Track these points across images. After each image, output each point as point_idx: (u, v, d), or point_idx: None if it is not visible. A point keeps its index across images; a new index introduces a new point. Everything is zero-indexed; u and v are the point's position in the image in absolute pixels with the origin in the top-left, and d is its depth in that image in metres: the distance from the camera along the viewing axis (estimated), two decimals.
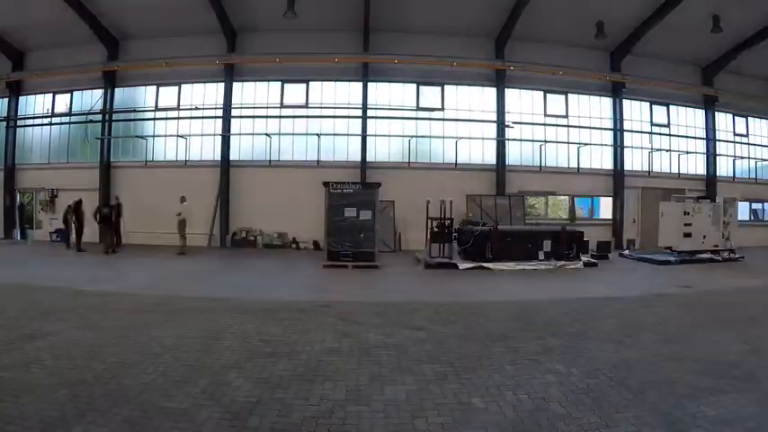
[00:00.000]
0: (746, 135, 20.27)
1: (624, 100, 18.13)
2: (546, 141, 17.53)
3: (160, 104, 17.48)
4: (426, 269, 11.64)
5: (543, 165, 17.56)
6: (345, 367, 4.39)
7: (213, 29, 15.99)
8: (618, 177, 17.84)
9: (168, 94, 17.44)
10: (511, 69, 16.96)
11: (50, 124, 18.12)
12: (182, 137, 17.19)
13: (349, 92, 17.05)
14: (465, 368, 4.37)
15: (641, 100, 18.57)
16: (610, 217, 17.96)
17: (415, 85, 17.19)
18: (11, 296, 7.28)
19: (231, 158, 16.92)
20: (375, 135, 16.87)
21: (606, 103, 18.17)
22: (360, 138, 16.66)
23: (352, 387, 3.91)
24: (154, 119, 17.61)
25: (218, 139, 16.91)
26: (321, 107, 17.03)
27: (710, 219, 14.01)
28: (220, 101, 17.03)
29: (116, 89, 17.58)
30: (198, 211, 16.04)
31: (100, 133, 17.34)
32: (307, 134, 16.88)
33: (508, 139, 17.17)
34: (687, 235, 13.63)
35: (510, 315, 6.62)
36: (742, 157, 20.03)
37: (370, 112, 16.76)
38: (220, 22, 15.78)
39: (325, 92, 17.12)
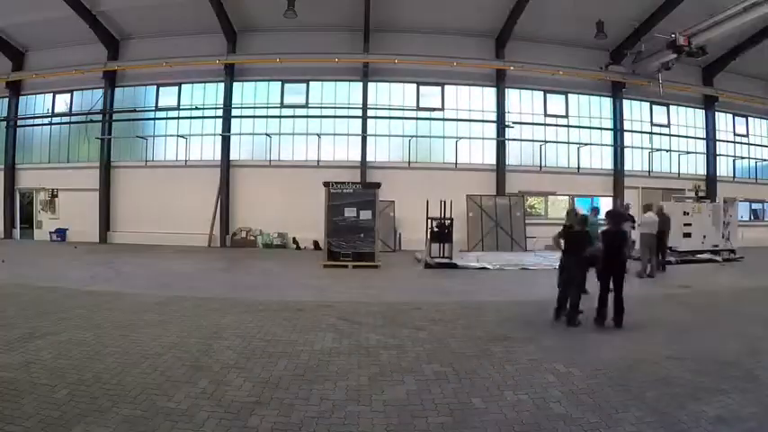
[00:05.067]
0: (746, 135, 20.28)
1: (624, 100, 18.14)
2: (546, 141, 17.53)
3: (160, 104, 17.50)
4: (426, 269, 11.64)
5: (543, 165, 17.55)
6: (346, 367, 4.39)
7: (213, 29, 15.99)
8: (618, 177, 17.84)
9: (168, 94, 17.46)
10: (511, 69, 16.96)
11: (51, 124, 18.14)
12: (182, 137, 17.19)
13: (349, 92, 17.05)
14: (465, 368, 4.37)
15: (641, 100, 18.57)
16: None
17: (415, 85, 17.19)
18: None
19: (231, 158, 16.93)
20: (375, 135, 16.87)
21: (606, 103, 18.18)
22: (360, 138, 16.66)
23: (353, 387, 3.91)
24: (154, 119, 17.63)
25: (218, 139, 16.91)
26: (321, 107, 17.04)
27: (710, 219, 14.00)
28: (220, 101, 17.04)
29: (116, 89, 17.60)
30: (204, 211, 16.22)
31: (100, 133, 17.34)
32: (307, 134, 16.88)
33: (508, 139, 17.18)
34: (687, 235, 13.61)
35: (510, 315, 6.62)
36: (742, 157, 20.04)
37: (370, 112, 16.75)
38: (220, 22, 15.78)
39: (326, 92, 17.13)
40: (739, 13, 13.49)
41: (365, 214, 11.80)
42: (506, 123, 17.02)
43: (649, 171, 18.49)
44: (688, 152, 18.92)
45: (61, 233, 17.26)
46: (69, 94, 18.02)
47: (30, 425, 3.09)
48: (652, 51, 16.13)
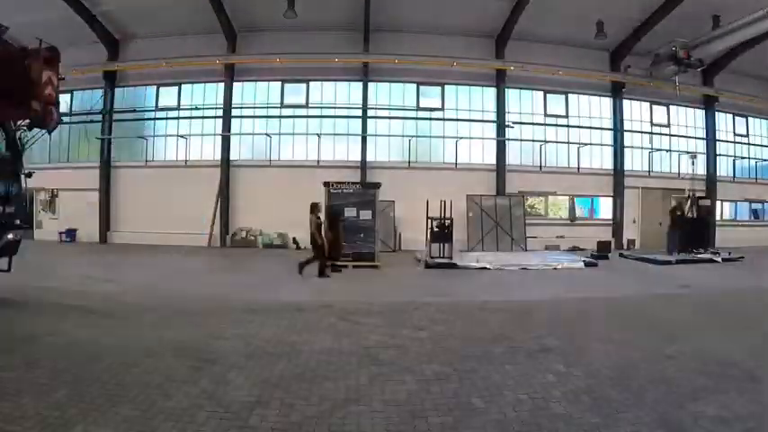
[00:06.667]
0: (746, 135, 20.27)
1: (624, 100, 18.14)
2: (546, 141, 17.54)
3: (160, 104, 17.50)
4: (426, 269, 11.65)
5: (543, 165, 17.55)
6: (345, 367, 4.39)
7: (213, 29, 15.99)
8: (618, 177, 17.84)
9: (168, 94, 17.46)
10: (511, 69, 16.96)
11: None
12: (182, 137, 17.19)
13: (349, 92, 17.06)
14: (465, 368, 4.37)
15: (641, 100, 18.57)
16: (610, 217, 17.96)
17: (415, 85, 17.20)
18: None
19: (231, 158, 16.92)
20: (375, 135, 16.88)
21: (606, 103, 18.18)
22: (360, 138, 16.67)
23: (353, 387, 3.91)
24: (154, 119, 17.63)
25: (219, 139, 16.91)
26: (321, 107, 17.05)
27: None
28: (220, 101, 17.03)
29: (116, 89, 17.58)
30: (204, 211, 16.41)
31: (100, 133, 17.34)
32: (307, 134, 16.89)
33: (508, 139, 17.18)
34: None
35: (510, 315, 6.63)
36: (742, 157, 20.03)
37: (370, 112, 16.76)
38: (221, 21, 15.78)
39: (326, 92, 17.13)
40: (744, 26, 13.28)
41: (365, 214, 11.81)
42: (506, 123, 17.02)
43: (649, 171, 18.48)
44: (688, 152, 18.91)
45: (71, 234, 17.16)
46: (69, 94, 17.97)
47: (30, 425, 3.09)
48: (669, 55, 15.97)
